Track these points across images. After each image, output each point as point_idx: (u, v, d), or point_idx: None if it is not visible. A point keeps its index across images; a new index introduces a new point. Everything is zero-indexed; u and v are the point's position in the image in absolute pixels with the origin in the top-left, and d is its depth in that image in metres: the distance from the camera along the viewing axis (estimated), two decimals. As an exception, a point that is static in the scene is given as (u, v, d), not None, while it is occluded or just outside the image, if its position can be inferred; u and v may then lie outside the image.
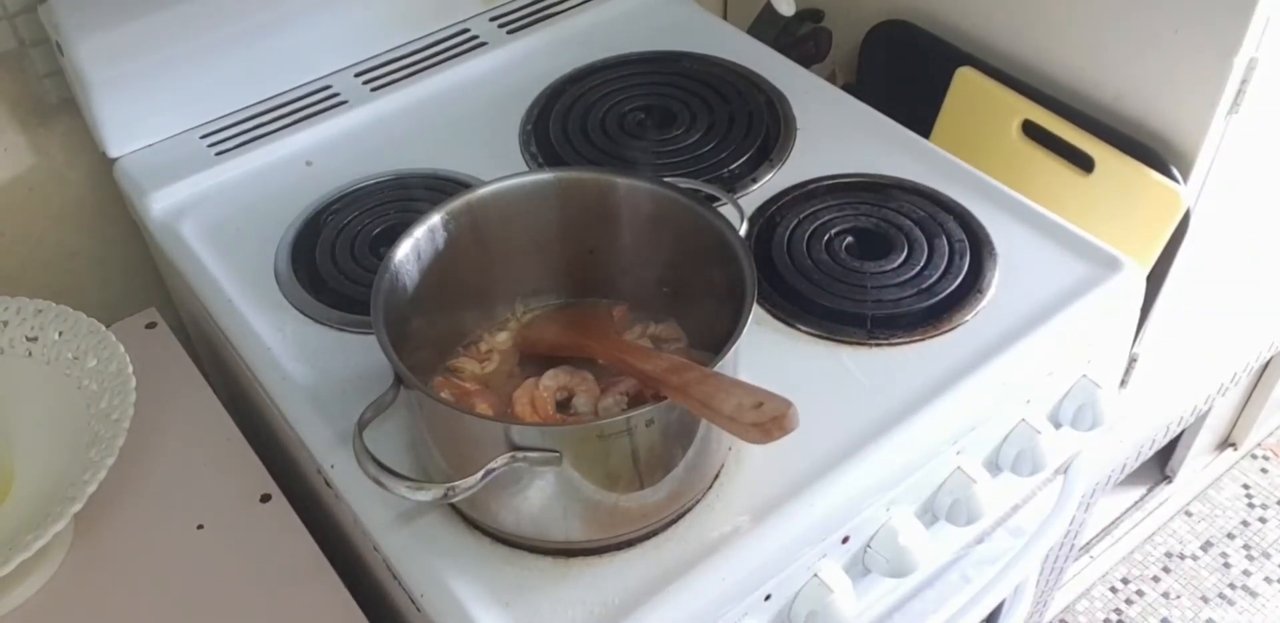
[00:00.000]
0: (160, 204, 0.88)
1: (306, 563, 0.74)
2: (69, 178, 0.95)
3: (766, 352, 0.76)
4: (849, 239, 0.83)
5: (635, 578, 0.65)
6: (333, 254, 0.83)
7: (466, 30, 1.02)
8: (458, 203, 0.70)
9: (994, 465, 0.81)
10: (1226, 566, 1.75)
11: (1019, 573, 0.89)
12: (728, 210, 0.71)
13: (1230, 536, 1.79)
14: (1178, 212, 0.90)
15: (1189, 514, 1.82)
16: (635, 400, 0.68)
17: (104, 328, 0.77)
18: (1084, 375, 0.82)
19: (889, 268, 0.80)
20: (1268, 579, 1.73)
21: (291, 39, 0.94)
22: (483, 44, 1.01)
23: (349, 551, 0.76)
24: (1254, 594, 1.72)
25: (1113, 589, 1.73)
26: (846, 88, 0.98)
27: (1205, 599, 1.71)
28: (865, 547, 0.74)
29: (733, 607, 0.67)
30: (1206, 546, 1.78)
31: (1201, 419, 1.66)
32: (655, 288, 0.75)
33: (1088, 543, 1.75)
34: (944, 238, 0.82)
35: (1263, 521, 1.81)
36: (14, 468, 0.75)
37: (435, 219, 0.69)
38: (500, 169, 0.77)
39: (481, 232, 0.72)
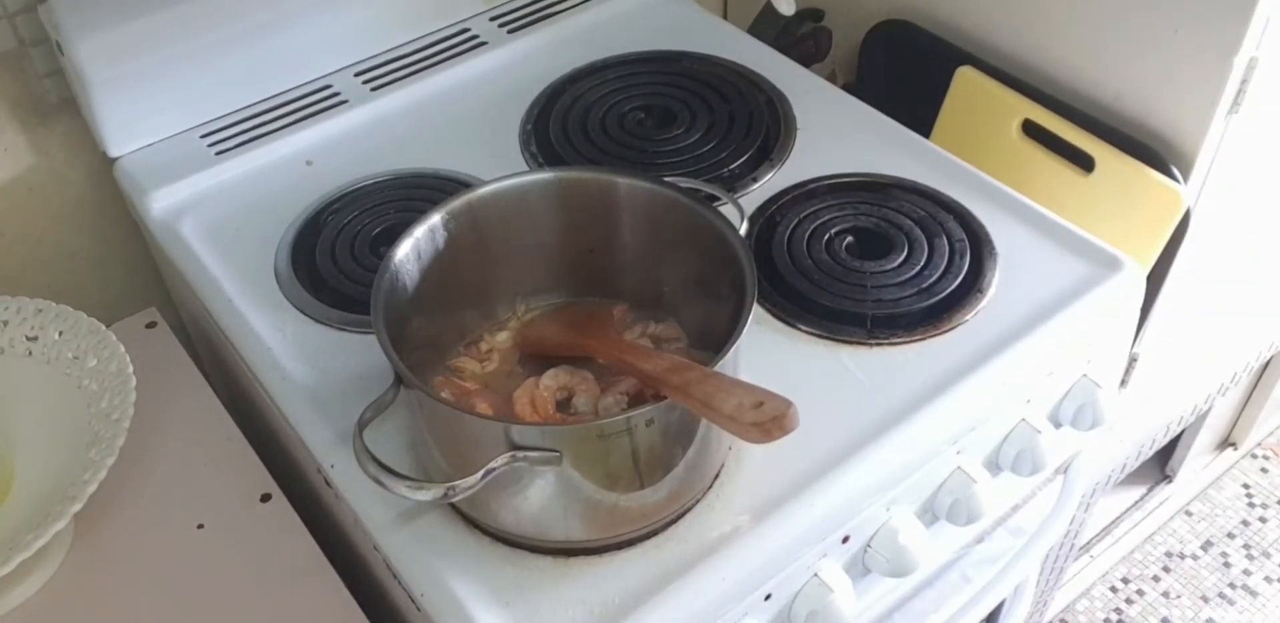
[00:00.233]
0: (160, 204, 0.88)
1: (306, 563, 0.74)
2: (69, 178, 0.95)
3: (766, 351, 0.76)
4: (849, 239, 0.83)
5: (635, 578, 0.65)
6: (333, 254, 0.83)
7: (467, 30, 1.02)
8: (458, 202, 0.70)
9: (994, 465, 0.81)
10: (1227, 565, 1.75)
11: (1019, 573, 0.89)
12: (728, 210, 0.70)
13: (1230, 535, 1.79)
14: (1178, 211, 0.90)
15: (1189, 514, 1.82)
16: (635, 400, 0.68)
17: (104, 328, 0.77)
18: (1084, 375, 0.82)
19: (889, 267, 0.80)
20: (1268, 579, 1.73)
21: (291, 39, 0.94)
22: (483, 44, 1.01)
23: (349, 550, 0.76)
24: (1254, 594, 1.72)
25: (1113, 589, 1.73)
26: (846, 87, 0.98)
27: (1205, 599, 1.71)
28: (865, 547, 0.74)
29: (733, 607, 0.67)
30: (1207, 545, 1.78)
31: (1201, 419, 1.66)
32: (655, 288, 0.75)
33: (1088, 543, 1.75)
34: (944, 237, 0.82)
35: (1263, 520, 1.81)
36: (14, 468, 0.75)
37: (435, 219, 0.69)
38: (500, 169, 0.77)
39: (482, 231, 0.72)
